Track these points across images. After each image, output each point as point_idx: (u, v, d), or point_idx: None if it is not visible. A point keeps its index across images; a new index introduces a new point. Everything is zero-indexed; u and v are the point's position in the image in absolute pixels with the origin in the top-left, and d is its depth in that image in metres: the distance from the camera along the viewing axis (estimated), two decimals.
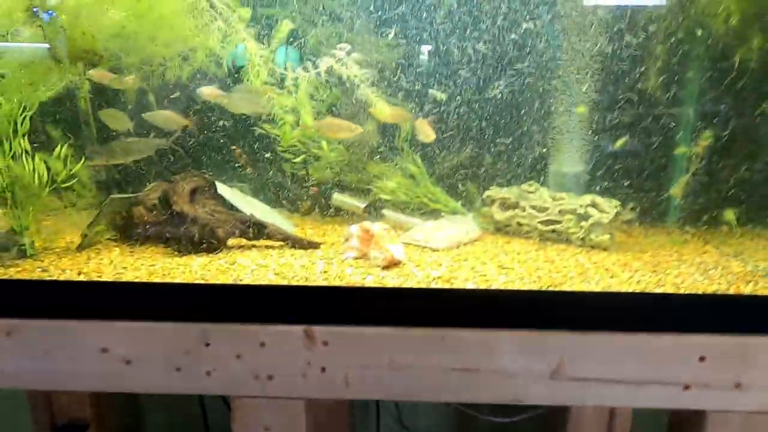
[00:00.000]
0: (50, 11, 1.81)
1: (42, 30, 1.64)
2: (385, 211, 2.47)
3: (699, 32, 2.18)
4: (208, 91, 2.17)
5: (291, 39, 2.29)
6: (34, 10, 1.77)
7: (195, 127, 2.33)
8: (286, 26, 2.08)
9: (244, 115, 2.34)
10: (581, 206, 2.20)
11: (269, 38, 2.06)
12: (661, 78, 2.23)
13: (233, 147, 2.41)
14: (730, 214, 2.24)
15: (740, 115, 2.23)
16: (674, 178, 2.39)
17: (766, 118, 2.20)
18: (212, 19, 1.85)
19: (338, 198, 2.54)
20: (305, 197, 2.55)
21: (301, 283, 1.76)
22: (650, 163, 2.36)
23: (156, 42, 1.76)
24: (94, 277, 1.83)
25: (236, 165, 2.44)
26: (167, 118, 2.23)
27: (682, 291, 1.78)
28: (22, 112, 1.84)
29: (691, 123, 2.33)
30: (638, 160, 2.35)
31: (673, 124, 2.32)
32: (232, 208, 2.23)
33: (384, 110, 2.16)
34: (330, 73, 2.11)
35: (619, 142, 2.28)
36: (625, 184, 2.31)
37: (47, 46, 1.71)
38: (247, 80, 2.12)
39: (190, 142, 2.38)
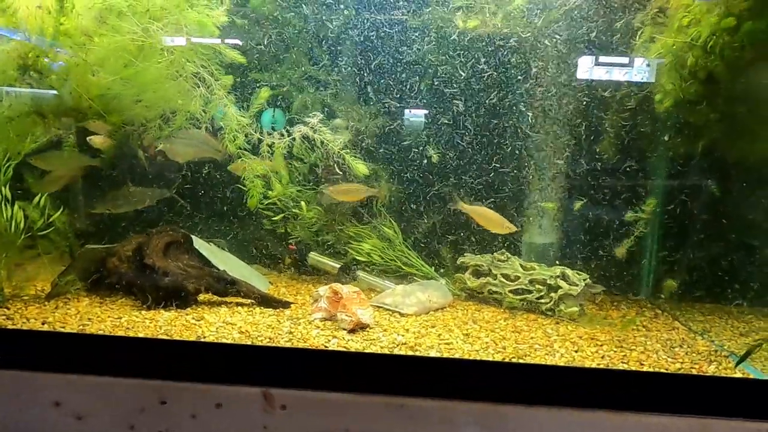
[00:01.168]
0: (60, 62, 1.92)
1: (31, 87, 1.74)
2: (359, 273, 2.49)
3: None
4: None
5: (277, 104, 2.41)
6: (46, 60, 1.87)
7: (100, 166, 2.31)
8: (265, 92, 2.19)
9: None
10: (551, 277, 2.23)
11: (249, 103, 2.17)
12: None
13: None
14: (671, 282, 2.30)
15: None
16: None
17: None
18: (195, 85, 1.96)
19: (314, 257, 2.57)
20: (281, 255, 2.58)
21: (264, 343, 1.75)
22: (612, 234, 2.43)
23: (139, 104, 1.85)
24: (58, 328, 1.82)
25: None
26: (61, 158, 2.24)
27: (645, 368, 1.78)
28: (6, 161, 1.89)
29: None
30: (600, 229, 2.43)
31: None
32: (207, 263, 2.24)
33: (360, 168, 2.26)
34: (305, 139, 2.21)
35: (578, 205, 2.36)
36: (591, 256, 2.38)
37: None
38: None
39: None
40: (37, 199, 1.95)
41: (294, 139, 2.20)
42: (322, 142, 2.16)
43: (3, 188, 1.91)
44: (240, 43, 2.29)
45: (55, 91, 1.79)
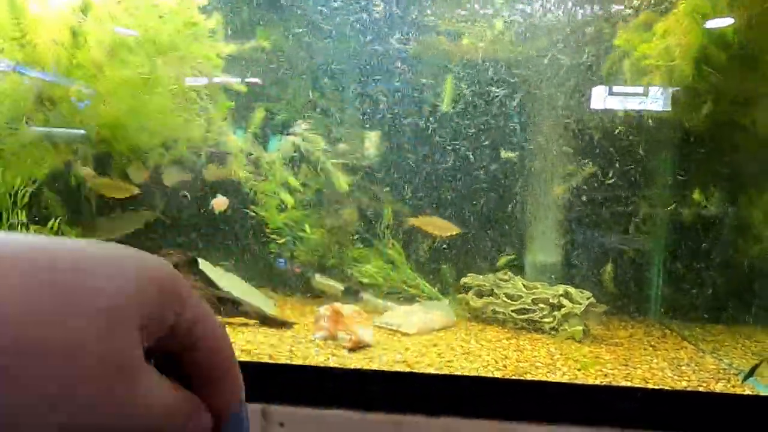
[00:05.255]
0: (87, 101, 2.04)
1: (45, 116, 1.84)
2: (363, 295, 2.51)
3: None
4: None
5: (283, 130, 2.50)
6: (72, 100, 1.99)
7: None
8: (260, 113, 2.28)
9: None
10: (554, 296, 2.22)
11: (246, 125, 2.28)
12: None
13: None
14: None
15: None
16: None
17: None
18: (197, 115, 2.06)
19: (319, 280, 2.60)
20: (288, 278, 2.62)
21: (263, 360, 1.77)
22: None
23: (144, 133, 1.94)
24: None
25: None
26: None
27: (650, 386, 1.75)
28: (24, 186, 1.98)
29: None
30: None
31: None
32: (212, 284, 2.29)
33: (341, 182, 2.32)
34: (296, 149, 2.29)
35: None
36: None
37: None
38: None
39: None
40: (51, 222, 2.03)
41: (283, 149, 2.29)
42: (307, 150, 2.24)
43: (20, 212, 1.99)
44: (243, 75, 2.40)
45: (67, 122, 1.88)
